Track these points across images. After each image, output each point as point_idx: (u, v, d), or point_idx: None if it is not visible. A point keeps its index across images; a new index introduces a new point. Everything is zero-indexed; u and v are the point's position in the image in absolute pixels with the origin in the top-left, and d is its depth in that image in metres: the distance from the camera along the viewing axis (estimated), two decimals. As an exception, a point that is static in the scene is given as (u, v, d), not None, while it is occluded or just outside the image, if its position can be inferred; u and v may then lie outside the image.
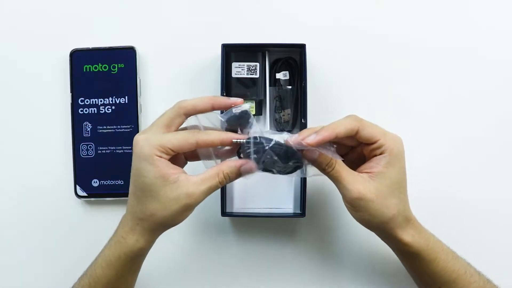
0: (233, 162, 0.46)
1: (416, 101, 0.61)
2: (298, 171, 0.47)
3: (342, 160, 0.47)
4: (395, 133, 0.48)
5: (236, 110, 0.46)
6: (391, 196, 0.46)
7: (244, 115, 0.46)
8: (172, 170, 0.45)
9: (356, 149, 0.50)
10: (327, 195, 0.60)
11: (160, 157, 0.44)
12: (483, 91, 0.61)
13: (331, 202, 0.60)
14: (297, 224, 0.61)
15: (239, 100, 0.47)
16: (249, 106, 0.47)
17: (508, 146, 0.61)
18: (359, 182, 0.46)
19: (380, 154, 0.47)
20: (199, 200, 0.45)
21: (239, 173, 0.46)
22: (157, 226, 0.46)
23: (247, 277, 0.61)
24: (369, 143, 0.47)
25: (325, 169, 0.46)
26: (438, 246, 0.49)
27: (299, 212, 0.57)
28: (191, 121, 0.47)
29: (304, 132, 0.45)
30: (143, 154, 0.44)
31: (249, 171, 0.46)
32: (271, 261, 0.61)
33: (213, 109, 0.46)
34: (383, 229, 0.48)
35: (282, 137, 0.46)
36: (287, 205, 0.58)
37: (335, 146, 0.46)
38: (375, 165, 0.46)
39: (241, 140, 0.46)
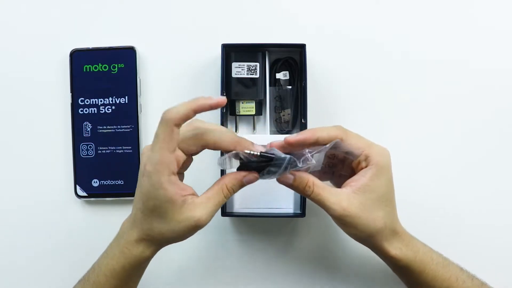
0: (236, 175, 0.46)
1: (415, 101, 0.61)
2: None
3: (332, 173, 0.48)
4: (386, 142, 0.48)
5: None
6: (376, 209, 0.46)
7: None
8: (180, 192, 0.44)
9: (345, 163, 0.50)
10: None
11: (169, 178, 0.43)
12: (483, 97, 0.61)
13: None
14: (297, 224, 0.61)
15: (222, 99, 0.43)
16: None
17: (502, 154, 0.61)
18: (342, 199, 0.45)
19: (366, 166, 0.46)
20: (208, 220, 0.45)
21: (242, 185, 0.46)
22: (164, 242, 0.47)
23: (247, 277, 0.61)
24: (353, 154, 0.46)
25: (304, 192, 0.46)
26: (428, 256, 0.49)
27: (299, 212, 0.57)
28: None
29: (289, 137, 0.46)
30: (152, 180, 0.43)
31: (252, 182, 0.46)
32: (271, 261, 0.61)
33: (195, 113, 0.43)
34: (371, 242, 0.48)
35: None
36: (287, 205, 0.58)
37: (310, 152, 0.45)
38: (360, 177, 0.46)
39: (253, 152, 0.45)
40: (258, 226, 0.61)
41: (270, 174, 0.45)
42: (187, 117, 0.43)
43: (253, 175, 0.45)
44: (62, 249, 0.61)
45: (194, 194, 0.45)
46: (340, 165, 0.50)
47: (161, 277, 0.61)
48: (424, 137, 0.61)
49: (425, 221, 0.59)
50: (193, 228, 0.44)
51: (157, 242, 0.46)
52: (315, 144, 0.46)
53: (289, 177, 0.46)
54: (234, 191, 0.46)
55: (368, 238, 0.47)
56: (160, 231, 0.45)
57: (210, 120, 0.60)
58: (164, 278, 0.61)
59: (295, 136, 0.45)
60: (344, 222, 0.46)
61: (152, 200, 0.44)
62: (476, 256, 0.59)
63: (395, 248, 0.48)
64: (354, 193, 0.45)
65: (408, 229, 0.50)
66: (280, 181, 0.46)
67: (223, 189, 0.45)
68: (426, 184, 0.60)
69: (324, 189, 0.46)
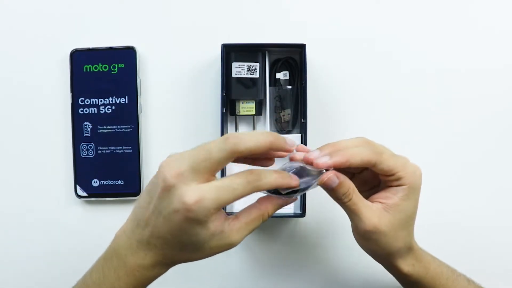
0: (276, 201, 0.43)
1: (416, 101, 0.61)
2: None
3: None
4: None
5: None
6: (402, 229, 0.45)
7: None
8: (220, 222, 0.40)
9: (369, 170, 0.47)
10: (327, 195, 0.60)
11: (216, 215, 0.40)
12: (484, 98, 0.61)
13: (331, 202, 0.60)
14: (297, 224, 0.61)
15: (297, 143, 0.42)
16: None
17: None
18: (374, 215, 0.44)
19: (398, 185, 0.44)
20: (240, 241, 0.42)
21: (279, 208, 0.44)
22: (185, 262, 0.44)
23: (247, 277, 0.61)
24: (387, 175, 0.44)
25: (341, 199, 0.44)
26: (438, 272, 0.49)
27: (299, 212, 0.57)
28: None
29: (314, 153, 0.43)
30: (198, 219, 0.39)
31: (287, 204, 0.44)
32: (271, 261, 0.61)
33: (270, 150, 0.41)
34: (387, 260, 0.47)
35: None
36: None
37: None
38: (392, 196, 0.44)
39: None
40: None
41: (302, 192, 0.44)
42: (259, 153, 0.41)
43: (291, 200, 0.44)
44: (62, 249, 0.61)
45: (226, 217, 0.42)
46: (365, 172, 0.48)
47: (160, 277, 0.61)
48: (424, 136, 0.61)
49: (425, 226, 0.59)
50: (225, 250, 0.42)
51: (178, 263, 0.44)
52: (345, 167, 0.43)
53: (334, 180, 0.43)
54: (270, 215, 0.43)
55: (386, 256, 0.47)
56: (190, 258, 0.42)
57: (210, 119, 0.60)
58: (163, 277, 0.61)
59: (324, 159, 0.42)
60: (368, 238, 0.45)
61: (190, 237, 0.40)
62: (473, 260, 0.59)
63: (408, 265, 0.47)
64: (385, 211, 0.44)
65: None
66: (321, 183, 0.43)
67: (264, 215, 0.42)
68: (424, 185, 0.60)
69: (360, 199, 0.44)
